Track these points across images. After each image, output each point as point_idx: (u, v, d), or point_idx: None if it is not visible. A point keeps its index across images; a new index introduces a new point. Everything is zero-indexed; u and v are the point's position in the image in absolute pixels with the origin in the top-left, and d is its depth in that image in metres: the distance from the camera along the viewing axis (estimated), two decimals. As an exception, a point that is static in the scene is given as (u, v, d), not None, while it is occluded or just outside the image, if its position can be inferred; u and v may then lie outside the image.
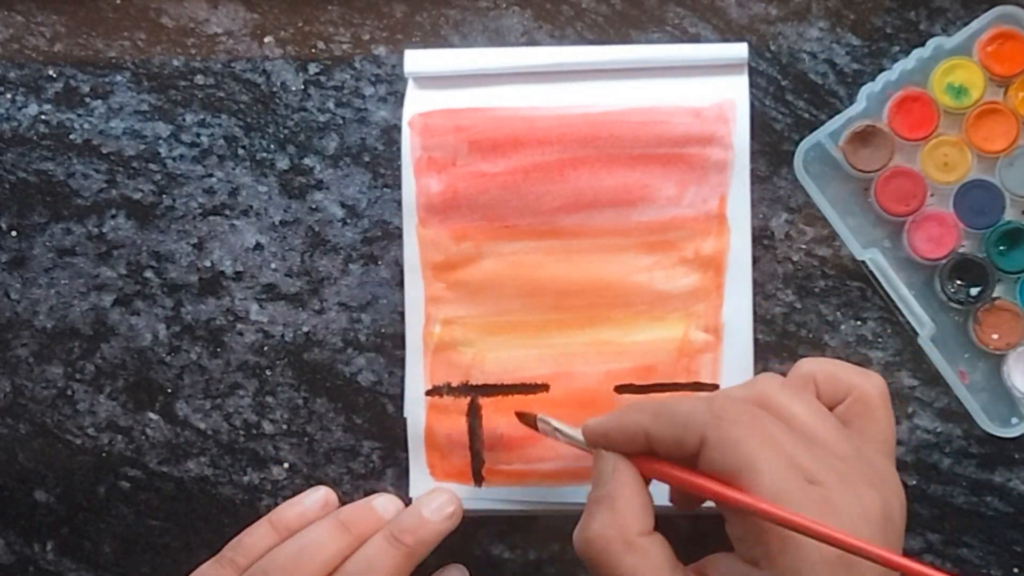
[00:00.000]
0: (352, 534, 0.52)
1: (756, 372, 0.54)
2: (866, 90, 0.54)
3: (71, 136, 0.57)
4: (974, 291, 0.53)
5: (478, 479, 0.55)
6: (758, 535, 0.41)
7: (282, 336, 0.56)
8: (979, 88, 0.53)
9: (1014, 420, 0.53)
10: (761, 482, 0.40)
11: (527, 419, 0.51)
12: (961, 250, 0.53)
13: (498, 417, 0.54)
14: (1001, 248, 0.53)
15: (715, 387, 0.54)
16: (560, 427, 0.48)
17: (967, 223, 0.53)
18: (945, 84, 0.53)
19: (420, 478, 0.55)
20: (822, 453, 0.42)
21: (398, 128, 0.55)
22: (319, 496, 0.55)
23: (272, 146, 0.57)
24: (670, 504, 0.49)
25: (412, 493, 0.55)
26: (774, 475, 0.40)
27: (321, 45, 0.57)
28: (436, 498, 0.53)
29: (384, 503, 0.53)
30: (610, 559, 0.43)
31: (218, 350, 0.57)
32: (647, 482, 0.45)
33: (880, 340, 0.55)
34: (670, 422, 0.43)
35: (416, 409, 0.55)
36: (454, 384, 0.55)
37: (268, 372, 0.56)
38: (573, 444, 0.48)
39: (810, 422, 0.44)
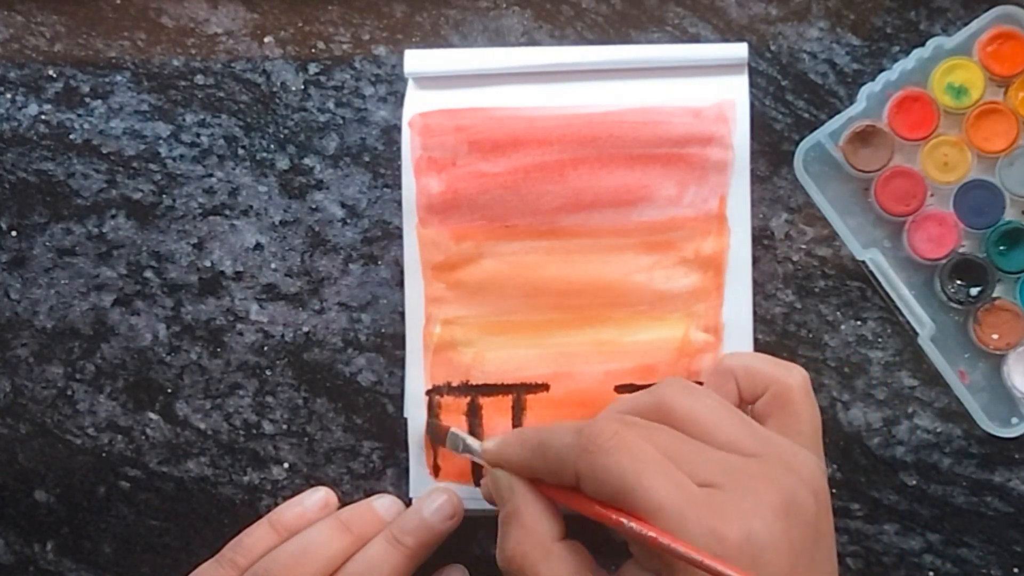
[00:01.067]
0: (353, 534, 0.52)
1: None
2: (866, 90, 0.54)
3: (71, 136, 0.57)
4: (974, 291, 0.53)
5: (478, 479, 0.55)
6: (651, 551, 0.41)
7: (282, 336, 0.56)
8: (979, 88, 0.53)
9: (1014, 420, 0.53)
10: (639, 499, 0.41)
11: (437, 432, 0.53)
12: (961, 250, 0.53)
13: (498, 417, 0.54)
14: (1001, 248, 0.53)
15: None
16: (470, 443, 0.51)
17: (967, 223, 0.53)
18: (945, 84, 0.53)
19: (420, 478, 0.55)
20: (718, 454, 0.43)
21: (398, 128, 0.55)
22: (319, 497, 0.55)
23: (272, 146, 0.57)
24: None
25: (412, 494, 0.55)
26: (654, 488, 0.41)
27: (321, 45, 0.57)
28: (436, 499, 0.53)
29: (385, 504, 0.53)
30: (530, 571, 0.44)
31: (218, 350, 0.57)
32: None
33: (880, 340, 0.55)
34: (545, 459, 0.45)
35: (416, 409, 0.55)
36: (454, 384, 0.55)
37: (268, 372, 0.56)
38: (480, 463, 0.49)
39: (710, 424, 0.44)
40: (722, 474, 0.42)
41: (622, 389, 0.54)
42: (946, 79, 0.53)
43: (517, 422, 0.54)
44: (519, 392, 0.54)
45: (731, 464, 0.42)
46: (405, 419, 0.55)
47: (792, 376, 0.48)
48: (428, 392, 0.55)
